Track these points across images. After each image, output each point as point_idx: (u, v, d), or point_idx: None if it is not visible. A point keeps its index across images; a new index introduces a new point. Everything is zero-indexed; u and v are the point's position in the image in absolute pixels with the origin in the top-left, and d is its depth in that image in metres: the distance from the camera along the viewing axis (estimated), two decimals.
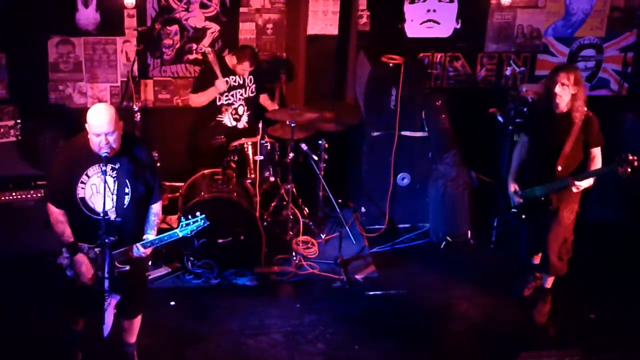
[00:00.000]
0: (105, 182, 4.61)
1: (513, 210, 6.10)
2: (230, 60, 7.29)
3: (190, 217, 4.75)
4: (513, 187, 6.05)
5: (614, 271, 6.85)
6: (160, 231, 4.91)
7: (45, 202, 4.85)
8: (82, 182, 4.72)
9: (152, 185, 4.87)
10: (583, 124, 5.71)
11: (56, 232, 4.81)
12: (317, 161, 7.04)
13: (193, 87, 7.42)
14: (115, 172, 4.71)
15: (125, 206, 4.76)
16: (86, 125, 4.63)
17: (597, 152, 5.79)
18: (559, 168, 5.77)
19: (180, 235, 4.76)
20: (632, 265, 6.91)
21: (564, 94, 5.68)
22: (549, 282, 6.24)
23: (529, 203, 5.98)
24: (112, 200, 4.70)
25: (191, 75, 7.78)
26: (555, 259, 6.03)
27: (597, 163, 5.79)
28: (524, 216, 6.10)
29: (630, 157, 5.48)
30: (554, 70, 5.81)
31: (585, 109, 5.73)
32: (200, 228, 4.75)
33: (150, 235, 4.83)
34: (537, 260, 6.34)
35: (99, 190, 4.70)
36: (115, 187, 4.71)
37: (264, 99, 7.58)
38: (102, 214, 4.58)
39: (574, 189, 5.73)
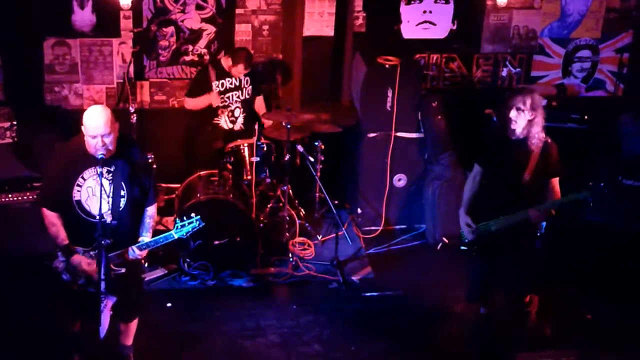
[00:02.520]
0: (102, 184, 4.61)
1: (462, 247, 5.67)
2: (226, 62, 7.29)
3: (185, 218, 4.76)
4: (465, 221, 5.55)
5: (610, 273, 6.85)
6: (156, 233, 4.91)
7: (39, 206, 4.83)
8: (78, 185, 4.72)
9: (147, 187, 4.87)
10: (542, 152, 5.28)
11: (50, 236, 4.80)
12: (313, 162, 7.04)
13: (189, 90, 7.41)
14: (110, 174, 4.71)
15: (120, 209, 4.76)
16: (82, 127, 4.63)
17: (556, 182, 5.37)
18: (518, 200, 5.31)
19: (176, 237, 4.76)
20: (628, 267, 6.92)
21: (519, 119, 5.23)
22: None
23: (483, 239, 5.54)
24: (108, 202, 4.69)
25: (187, 76, 7.77)
26: (519, 299, 5.77)
27: (556, 194, 5.36)
28: (474, 254, 5.64)
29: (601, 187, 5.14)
30: (510, 94, 5.34)
31: (544, 135, 5.29)
32: (195, 229, 4.75)
33: (146, 238, 4.83)
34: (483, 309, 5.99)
35: (94, 193, 4.70)
36: (111, 190, 4.71)
37: (259, 103, 7.56)
38: (98, 217, 4.57)
39: (534, 221, 5.36)
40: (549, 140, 5.34)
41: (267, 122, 7.24)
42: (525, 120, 5.24)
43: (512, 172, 5.32)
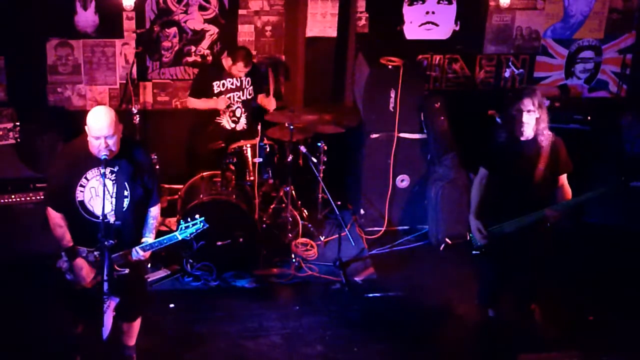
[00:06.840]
0: (105, 185, 4.61)
1: (474, 252, 5.65)
2: (226, 62, 7.28)
3: (189, 219, 4.76)
4: (477, 226, 5.57)
5: (612, 273, 6.84)
6: (159, 234, 4.92)
7: (45, 206, 4.84)
8: (81, 185, 4.72)
9: (150, 188, 4.87)
10: (551, 149, 5.35)
11: (55, 237, 4.80)
12: (316, 163, 7.04)
13: (191, 90, 7.40)
14: (114, 175, 4.71)
15: (124, 209, 4.76)
16: (86, 127, 4.63)
17: (564, 179, 5.45)
18: (530, 200, 5.36)
19: (180, 238, 4.76)
20: (630, 268, 6.90)
21: (531, 120, 5.29)
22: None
23: (496, 242, 5.56)
24: (111, 203, 4.69)
25: (190, 77, 7.77)
26: (531, 300, 5.92)
27: (567, 191, 5.45)
28: (487, 257, 5.68)
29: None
30: (517, 97, 5.34)
31: (549, 131, 5.37)
32: (199, 231, 4.76)
33: (149, 239, 4.84)
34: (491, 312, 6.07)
35: (97, 194, 4.70)
36: (114, 190, 4.71)
37: (261, 99, 7.56)
38: (101, 217, 4.57)
39: (551, 222, 5.36)
40: (556, 137, 5.41)
41: (267, 103, 7.40)
42: (534, 119, 5.31)
43: (523, 172, 5.35)
